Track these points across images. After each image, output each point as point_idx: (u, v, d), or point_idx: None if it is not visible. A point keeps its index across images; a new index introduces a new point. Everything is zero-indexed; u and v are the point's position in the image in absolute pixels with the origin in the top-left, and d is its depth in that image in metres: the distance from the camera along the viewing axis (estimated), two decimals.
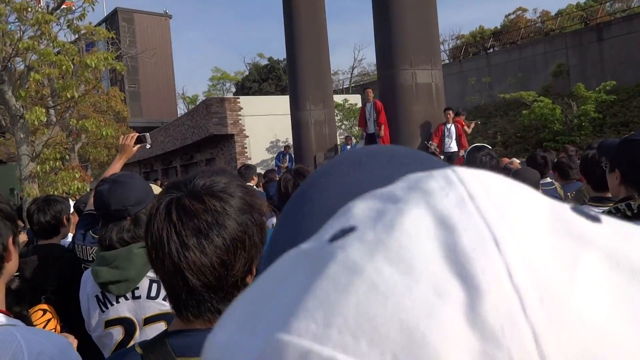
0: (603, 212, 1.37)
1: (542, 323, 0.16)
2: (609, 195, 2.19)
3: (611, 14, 23.38)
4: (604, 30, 16.78)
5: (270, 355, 0.17)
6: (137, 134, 2.71)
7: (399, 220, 0.19)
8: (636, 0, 24.58)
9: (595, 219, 0.20)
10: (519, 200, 0.20)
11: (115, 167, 2.58)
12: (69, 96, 7.50)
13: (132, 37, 32.05)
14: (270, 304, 0.20)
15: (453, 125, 8.87)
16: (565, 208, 0.20)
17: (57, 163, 8.41)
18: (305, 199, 0.31)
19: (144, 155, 24.18)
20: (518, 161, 5.18)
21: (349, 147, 12.43)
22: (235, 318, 0.21)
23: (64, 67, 7.36)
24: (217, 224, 0.90)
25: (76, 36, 9.41)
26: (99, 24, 32.01)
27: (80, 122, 8.80)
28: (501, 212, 0.19)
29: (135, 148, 2.66)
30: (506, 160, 5.59)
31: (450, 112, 8.86)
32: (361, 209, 0.21)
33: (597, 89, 13.11)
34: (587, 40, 17.16)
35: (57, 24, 8.13)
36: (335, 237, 0.21)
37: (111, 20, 34.26)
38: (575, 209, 0.21)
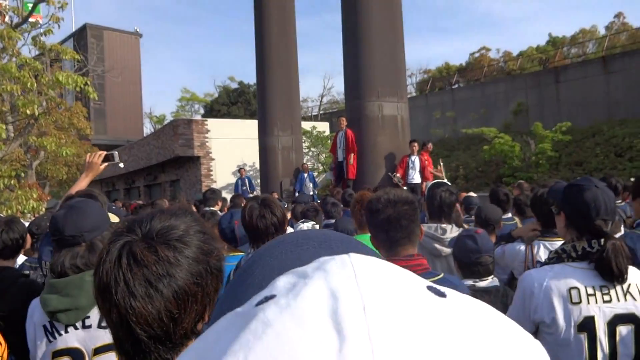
0: (550, 252, 1.44)
1: None
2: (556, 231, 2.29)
3: (568, 58, 24.71)
4: (561, 73, 17.68)
5: None
6: (105, 152, 2.67)
7: (303, 290, 0.27)
8: (591, 47, 26.09)
9: (441, 294, 0.29)
10: (389, 281, 0.28)
11: (81, 185, 2.52)
12: (29, 113, 7.30)
13: (101, 54, 31.59)
14: (210, 352, 0.27)
15: (417, 157, 9.06)
16: (422, 286, 0.29)
17: (12, 181, 8.10)
18: (249, 273, 0.39)
19: (106, 174, 23.59)
20: (474, 194, 5.32)
21: (306, 175, 12.39)
22: None
23: (28, 83, 7.18)
24: (167, 275, 0.86)
25: (40, 52, 9.22)
26: (67, 39, 31.44)
27: (39, 139, 8.54)
28: (374, 288, 0.27)
29: (103, 166, 2.62)
30: (464, 194, 5.74)
31: (415, 144, 9.04)
32: (282, 282, 0.30)
33: (553, 128, 13.72)
34: (545, 82, 18.02)
35: (21, 40, 7.96)
36: (260, 302, 0.28)
37: (79, 36, 33.75)
38: (430, 288, 0.29)
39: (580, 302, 1.66)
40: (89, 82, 7.92)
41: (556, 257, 1.77)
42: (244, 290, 0.38)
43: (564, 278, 1.70)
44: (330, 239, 0.41)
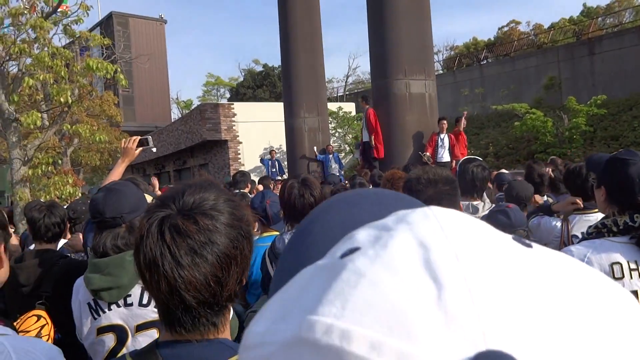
0: (590, 227, 1.40)
1: (483, 307, 0.23)
2: (594, 203, 2.23)
3: (603, 28, 23.72)
4: (596, 44, 17.00)
5: (303, 330, 0.24)
6: (139, 137, 2.72)
7: (391, 242, 0.27)
8: (627, 16, 24.97)
9: (529, 245, 0.29)
10: (475, 231, 0.28)
11: (118, 171, 2.59)
12: (62, 101, 7.47)
13: (127, 42, 31.99)
14: (297, 302, 0.27)
15: (446, 135, 8.92)
16: (508, 237, 0.29)
17: (50, 167, 8.36)
18: (308, 232, 0.40)
19: (137, 160, 24.11)
20: (506, 171, 5.21)
21: (330, 156, 12.36)
22: (267, 315, 0.28)
23: (61, 72, 7.34)
24: (210, 242, 0.91)
25: (71, 40, 9.39)
26: (94, 28, 31.93)
27: (73, 126, 8.76)
28: (461, 237, 0.27)
29: (138, 151, 2.68)
30: (495, 172, 5.63)
31: (444, 122, 8.91)
32: (363, 235, 0.29)
33: (588, 102, 13.27)
34: (578, 54, 17.38)
35: (52, 29, 8.13)
36: (344, 255, 0.28)
37: (106, 24, 34.22)
38: (515, 238, 0.29)
39: (623, 277, 1.62)
40: (119, 69, 8.04)
41: (596, 232, 1.72)
42: (306, 248, 0.38)
43: (606, 253, 1.65)
44: (384, 196, 0.41)
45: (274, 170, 14.13)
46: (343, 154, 16.43)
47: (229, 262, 0.93)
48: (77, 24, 8.58)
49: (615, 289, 0.27)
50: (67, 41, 9.53)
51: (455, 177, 1.79)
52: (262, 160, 15.18)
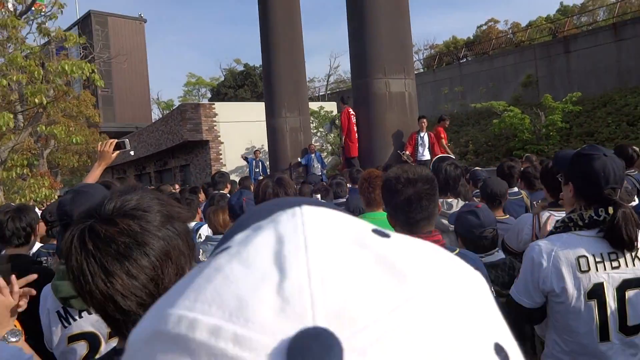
0: (557, 221, 1.44)
1: (317, 291, 0.26)
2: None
3: (578, 27, 24.16)
4: (571, 42, 17.31)
5: (160, 322, 0.27)
6: (116, 140, 2.69)
7: (253, 239, 0.31)
8: (601, 15, 25.47)
9: (385, 235, 0.31)
10: (336, 226, 0.31)
11: (95, 174, 2.55)
12: (37, 102, 7.34)
13: (106, 41, 31.49)
14: (168, 299, 0.29)
15: (426, 133, 8.99)
16: (367, 230, 0.31)
17: (25, 170, 8.20)
18: (226, 239, 0.41)
19: (117, 161, 23.76)
20: (480, 169, 5.30)
21: (313, 155, 12.39)
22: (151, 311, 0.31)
23: (34, 72, 7.20)
24: (137, 243, 0.87)
25: (46, 39, 9.22)
26: (72, 27, 31.37)
27: (49, 128, 8.60)
28: (319, 232, 0.30)
29: (115, 154, 2.64)
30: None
31: (424, 120, 8.97)
32: (239, 236, 0.33)
33: (563, 99, 13.49)
34: (555, 52, 17.66)
35: (25, 28, 7.96)
36: (217, 253, 0.32)
37: (84, 23, 33.68)
38: (375, 231, 0.32)
39: (589, 270, 1.66)
40: (95, 70, 7.91)
41: (563, 226, 1.76)
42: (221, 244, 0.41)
43: (572, 247, 1.69)
44: (301, 202, 0.43)
45: (257, 170, 14.08)
46: (325, 154, 16.43)
47: (162, 261, 0.89)
48: (51, 19, 8.41)
49: (462, 275, 0.30)
50: (43, 41, 9.35)
51: (434, 177, 1.79)
52: (246, 159, 15.11)
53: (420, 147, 8.92)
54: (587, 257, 1.67)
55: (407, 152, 8.60)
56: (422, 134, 8.92)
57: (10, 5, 8.01)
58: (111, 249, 0.86)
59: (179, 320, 0.26)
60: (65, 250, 0.90)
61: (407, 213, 1.71)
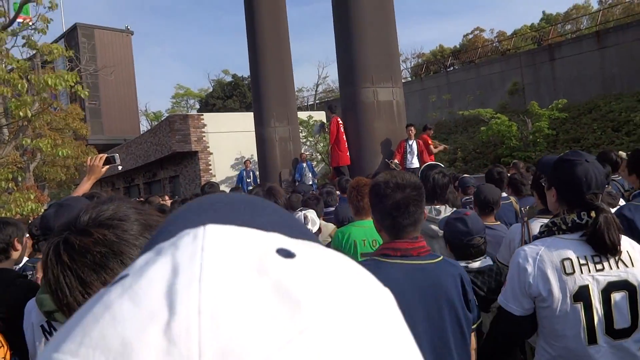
0: (542, 226, 1.45)
1: (206, 330, 0.24)
2: None
3: (562, 34, 24.55)
4: (556, 50, 17.58)
5: None
6: (106, 155, 2.69)
7: (147, 268, 0.28)
8: (584, 23, 25.91)
9: (290, 255, 0.29)
10: (236, 249, 0.28)
11: (84, 188, 2.53)
12: (22, 115, 7.27)
13: (93, 53, 31.38)
14: (59, 335, 0.27)
15: (415, 141, 9.04)
16: (272, 251, 0.29)
17: (10, 183, 8.10)
18: (151, 240, 0.39)
19: (106, 174, 23.55)
20: (468, 176, 5.33)
21: (304, 164, 12.43)
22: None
23: (18, 85, 7.14)
24: (113, 253, 0.86)
25: (32, 53, 9.17)
26: (58, 40, 31.21)
27: (34, 141, 8.53)
28: (217, 260, 0.27)
29: (104, 169, 2.64)
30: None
31: (412, 128, 9.02)
32: (140, 260, 0.30)
33: (549, 106, 13.67)
34: (540, 60, 17.92)
35: (10, 41, 7.91)
36: (114, 283, 0.29)
37: (70, 36, 33.53)
38: (279, 250, 0.29)
39: (574, 272, 1.68)
40: (78, 79, 7.86)
41: (547, 231, 1.78)
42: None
43: (556, 250, 1.71)
44: (216, 206, 0.39)
45: (249, 180, 14.06)
46: (315, 163, 16.44)
47: None
48: (39, 32, 8.38)
49: (367, 298, 0.28)
50: (29, 54, 9.30)
51: (422, 184, 1.80)
52: (240, 174, 15.08)
53: (409, 155, 8.96)
54: (571, 260, 1.69)
55: (396, 161, 8.64)
56: (410, 142, 8.97)
57: None
58: (87, 260, 0.85)
59: None
60: (42, 264, 0.89)
61: (394, 218, 1.71)
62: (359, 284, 0.29)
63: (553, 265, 1.69)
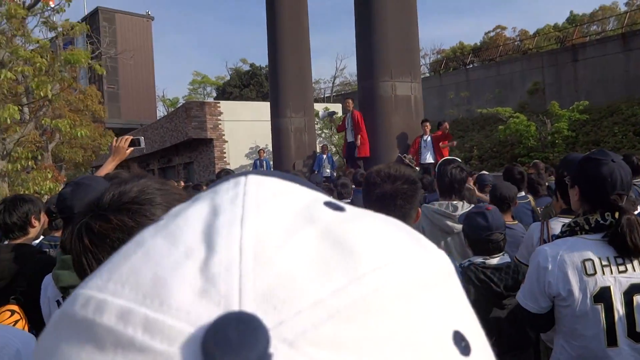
0: (563, 225, 1.42)
1: (248, 270, 0.22)
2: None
3: (586, 35, 24.09)
4: (579, 51, 17.27)
5: (68, 304, 0.24)
6: (131, 137, 2.72)
7: (185, 210, 0.27)
8: (611, 25, 25.39)
9: (339, 209, 0.27)
10: (282, 196, 0.27)
11: (108, 168, 2.56)
12: (42, 95, 7.35)
13: (113, 37, 31.63)
14: (90, 277, 0.26)
15: (430, 137, 8.96)
16: (319, 202, 0.28)
17: (30, 162, 8.22)
18: None
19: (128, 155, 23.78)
20: (487, 173, 5.27)
21: (324, 156, 12.43)
22: None
23: (38, 64, 7.21)
24: (130, 238, 0.87)
25: (53, 34, 9.25)
26: (79, 23, 31.52)
27: (53, 121, 8.63)
28: (260, 202, 0.26)
29: (129, 151, 2.67)
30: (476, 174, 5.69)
31: (428, 124, 8.95)
32: (177, 207, 0.29)
33: (570, 108, 13.46)
34: (562, 60, 17.62)
35: (32, 20, 8.00)
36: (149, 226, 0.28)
37: (92, 19, 33.78)
38: (328, 203, 0.28)
39: (595, 273, 1.64)
40: (90, 56, 7.88)
41: (569, 230, 1.75)
42: None
43: (578, 250, 1.68)
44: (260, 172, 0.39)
45: (262, 169, 14.15)
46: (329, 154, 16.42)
47: None
48: (58, 13, 8.44)
49: (423, 255, 0.26)
50: (50, 35, 9.38)
51: (418, 180, 1.74)
52: (254, 163, 15.15)
53: (424, 150, 8.89)
54: (593, 260, 1.66)
55: (410, 156, 8.57)
56: (425, 138, 8.90)
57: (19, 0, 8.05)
58: (106, 245, 0.86)
59: (86, 301, 0.23)
60: (67, 246, 0.94)
61: (379, 209, 1.67)
62: (416, 243, 0.27)
63: (574, 266, 1.66)
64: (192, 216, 0.26)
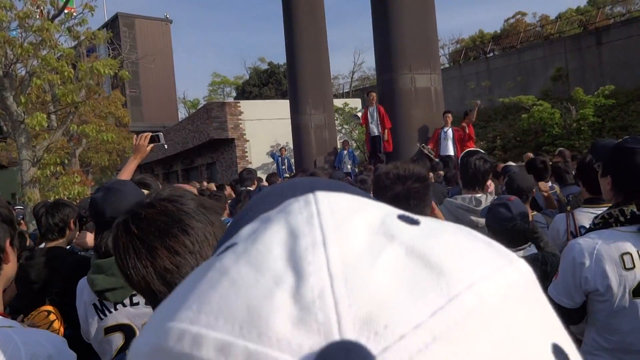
0: (596, 217, 1.39)
1: (342, 295, 0.22)
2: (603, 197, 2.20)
3: (610, 17, 23.42)
4: (603, 34, 16.81)
5: (161, 337, 0.23)
6: (151, 134, 2.72)
7: (262, 234, 0.26)
8: (636, 5, 24.64)
9: (414, 222, 0.27)
10: (356, 213, 0.27)
11: (130, 168, 2.59)
12: (69, 101, 7.53)
13: (133, 42, 32.09)
14: (168, 306, 0.26)
15: (450, 128, 8.85)
16: (393, 216, 0.27)
17: (58, 168, 8.44)
18: (235, 228, 0.37)
19: (145, 160, 24.18)
20: (514, 164, 5.18)
21: (345, 152, 12.41)
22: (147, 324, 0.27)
23: (65, 72, 7.39)
24: (174, 221, 0.95)
25: (76, 42, 9.46)
26: (100, 30, 32.08)
27: (80, 127, 8.83)
28: (337, 222, 0.25)
29: (149, 147, 2.67)
30: (501, 165, 5.60)
31: (449, 115, 8.84)
32: (245, 230, 0.28)
33: (595, 93, 13.13)
34: (586, 45, 17.19)
35: (57, 31, 8.20)
36: (221, 252, 0.27)
37: (112, 25, 34.33)
38: (401, 217, 0.27)
39: (634, 267, 1.60)
40: (120, 64, 8.06)
41: (603, 222, 1.70)
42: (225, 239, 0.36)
43: (615, 244, 1.63)
44: (315, 184, 0.39)
45: (284, 167, 14.21)
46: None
47: (201, 241, 0.96)
48: (81, 25, 8.64)
49: (508, 266, 0.25)
50: (73, 43, 9.60)
51: (427, 175, 1.72)
52: (272, 155, 15.23)
53: (443, 142, 8.79)
54: (631, 254, 1.61)
55: (429, 146, 8.49)
56: (445, 129, 8.80)
57: (44, 10, 8.26)
58: (152, 228, 0.95)
59: (181, 335, 0.23)
60: (113, 239, 0.98)
61: None
62: (497, 254, 0.26)
63: (612, 260, 1.62)
64: (270, 240, 0.25)
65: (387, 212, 0.28)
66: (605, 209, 2.50)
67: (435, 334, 0.21)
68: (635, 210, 1.63)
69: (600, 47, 16.65)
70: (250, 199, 0.40)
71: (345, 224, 0.26)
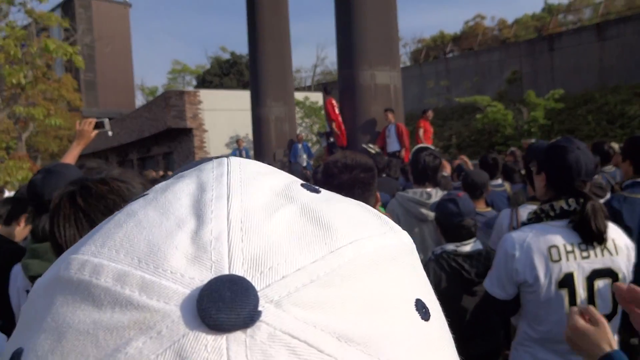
0: (530, 212, 1.45)
1: (236, 240, 0.25)
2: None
3: (563, 25, 24.40)
4: (555, 40, 17.49)
5: (62, 267, 0.26)
6: (95, 120, 2.63)
7: (173, 186, 0.29)
8: (587, 14, 25.75)
9: (315, 191, 0.31)
10: (262, 177, 0.30)
11: (73, 154, 2.50)
12: (15, 82, 7.17)
13: (89, 25, 30.92)
14: (79, 244, 0.28)
15: (393, 125, 8.95)
16: (297, 184, 0.31)
17: (1, 152, 8.03)
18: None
19: (99, 147, 23.41)
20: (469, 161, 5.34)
21: (300, 145, 12.40)
22: None
23: (11, 52, 7.03)
24: (123, 202, 0.92)
25: (30, 20, 9.01)
26: (54, 9, 30.66)
27: (27, 109, 8.42)
28: (243, 182, 0.28)
29: (94, 133, 2.58)
30: (457, 162, 5.77)
31: (389, 113, 8.83)
32: (160, 184, 0.31)
33: (546, 96, 13.67)
34: (539, 50, 17.84)
35: (9, 3, 7.77)
36: (134, 200, 0.30)
37: (67, 5, 32.96)
38: (304, 185, 0.31)
39: (560, 259, 1.69)
40: (76, 51, 7.76)
41: (535, 217, 1.79)
42: None
43: (544, 237, 1.71)
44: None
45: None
46: (310, 144, 16.40)
47: None
48: (40, 2, 8.24)
49: (388, 232, 0.29)
50: (26, 22, 9.14)
51: (374, 167, 1.75)
52: (232, 153, 15.05)
53: (387, 139, 8.94)
54: (557, 247, 1.70)
55: (375, 146, 8.61)
56: (389, 126, 8.93)
57: None
58: (100, 205, 0.92)
59: (82, 265, 0.25)
60: (53, 207, 0.93)
61: None
62: (381, 222, 0.30)
63: (540, 253, 1.70)
64: (180, 191, 0.28)
65: (292, 180, 0.31)
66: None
67: (312, 277, 0.24)
68: (564, 205, 1.72)
69: (553, 52, 17.33)
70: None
71: (251, 183, 0.29)
